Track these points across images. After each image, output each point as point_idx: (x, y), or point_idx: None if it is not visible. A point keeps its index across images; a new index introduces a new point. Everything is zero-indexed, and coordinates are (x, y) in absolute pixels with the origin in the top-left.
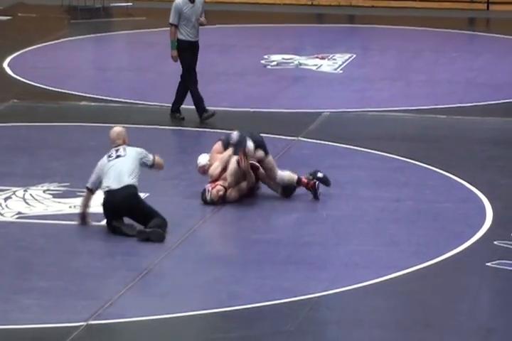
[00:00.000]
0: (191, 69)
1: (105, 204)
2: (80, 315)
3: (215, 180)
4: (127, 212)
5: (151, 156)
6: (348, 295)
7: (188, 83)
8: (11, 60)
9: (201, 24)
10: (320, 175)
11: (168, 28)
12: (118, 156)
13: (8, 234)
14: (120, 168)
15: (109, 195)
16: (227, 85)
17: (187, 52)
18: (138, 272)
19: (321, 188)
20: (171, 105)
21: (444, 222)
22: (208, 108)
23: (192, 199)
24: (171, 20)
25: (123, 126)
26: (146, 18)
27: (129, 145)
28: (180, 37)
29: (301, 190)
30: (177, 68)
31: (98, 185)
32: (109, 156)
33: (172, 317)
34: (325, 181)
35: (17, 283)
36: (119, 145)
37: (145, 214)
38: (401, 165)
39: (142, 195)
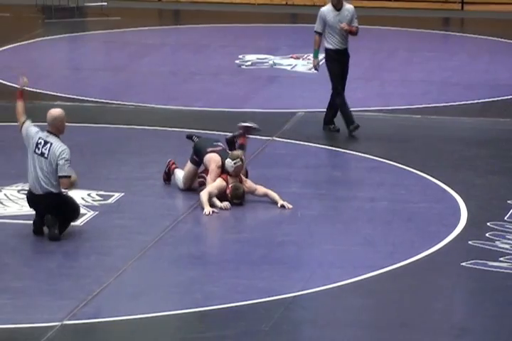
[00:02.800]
0: (338, 79)
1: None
2: (54, 315)
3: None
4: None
5: (64, 169)
6: (323, 295)
7: (333, 93)
8: None
9: (349, 32)
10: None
11: (142, 28)
12: (42, 154)
13: None
14: (37, 172)
15: (30, 195)
16: (201, 85)
17: (334, 62)
18: (113, 272)
19: (296, 188)
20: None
21: (419, 222)
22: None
23: (167, 199)
24: (314, 28)
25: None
26: (121, 18)
27: (53, 134)
28: (327, 46)
29: (275, 192)
30: (152, 68)
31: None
32: (37, 144)
33: (147, 317)
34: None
35: None
36: (51, 133)
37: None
38: (376, 165)
39: (116, 195)
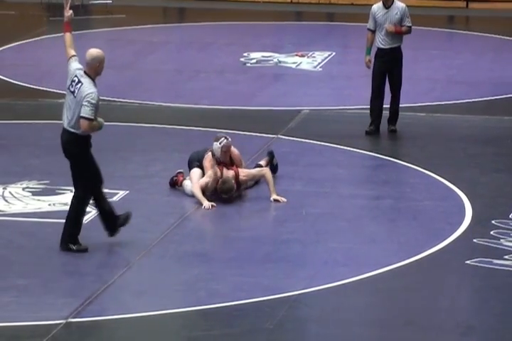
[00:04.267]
0: (376, 79)
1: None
2: (59, 313)
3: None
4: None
5: (86, 111)
6: (327, 293)
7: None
8: None
9: (397, 32)
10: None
11: (147, 26)
12: (72, 92)
13: None
14: (66, 107)
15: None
16: (206, 83)
17: (376, 61)
18: (117, 270)
19: (300, 186)
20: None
21: (423, 220)
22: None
23: (171, 197)
24: (367, 25)
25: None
26: (126, 16)
27: (88, 75)
28: (375, 43)
29: (279, 189)
30: (157, 66)
31: None
32: (72, 81)
33: (151, 315)
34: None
35: None
36: (86, 74)
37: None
38: (381, 163)
39: (121, 193)
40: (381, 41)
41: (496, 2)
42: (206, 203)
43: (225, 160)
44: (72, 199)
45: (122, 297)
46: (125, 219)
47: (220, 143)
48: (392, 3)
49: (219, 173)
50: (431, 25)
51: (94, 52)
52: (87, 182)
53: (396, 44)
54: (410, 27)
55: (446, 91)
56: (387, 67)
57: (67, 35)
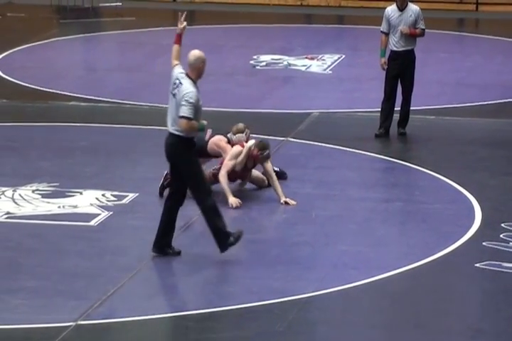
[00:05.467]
0: (389, 81)
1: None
2: (69, 315)
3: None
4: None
5: (184, 110)
6: (337, 296)
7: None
8: (0, 59)
9: (411, 35)
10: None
11: (157, 29)
12: (174, 95)
13: None
14: (169, 111)
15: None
16: (216, 85)
17: (389, 63)
18: (127, 272)
19: (310, 188)
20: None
21: (433, 223)
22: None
23: None
24: (380, 28)
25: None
26: (136, 18)
27: (189, 77)
28: (388, 46)
29: (289, 192)
30: (166, 68)
31: None
32: (173, 84)
33: (161, 318)
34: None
35: (5, 283)
36: (187, 76)
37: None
38: (390, 166)
39: (131, 196)
40: (395, 44)
41: (506, 5)
42: (232, 199)
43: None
44: (198, 205)
45: (132, 299)
46: (236, 238)
47: (245, 134)
48: (406, 6)
49: (241, 148)
50: (441, 28)
51: (196, 52)
52: (200, 183)
53: (410, 46)
54: (424, 29)
55: (456, 94)
56: (401, 70)
57: (176, 47)
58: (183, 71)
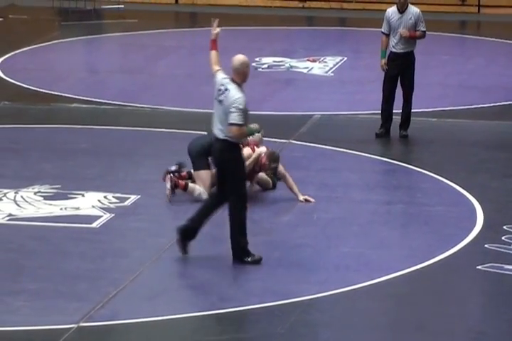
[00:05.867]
0: (388, 83)
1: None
2: (70, 317)
3: None
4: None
5: (233, 117)
6: (339, 298)
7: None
8: (2, 61)
9: (410, 37)
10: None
11: (159, 31)
12: (220, 101)
13: None
14: (215, 118)
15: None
16: None
17: (389, 63)
18: (129, 274)
19: (312, 191)
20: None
21: (435, 225)
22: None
23: (183, 201)
24: (382, 29)
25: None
26: (138, 21)
27: (234, 82)
28: (388, 47)
29: (291, 194)
30: (168, 70)
31: None
32: (219, 91)
33: (163, 320)
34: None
35: (7, 285)
36: (232, 81)
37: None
38: (392, 168)
39: (133, 198)
40: (394, 45)
41: (508, 7)
42: None
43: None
44: (230, 210)
45: (134, 301)
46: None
47: (261, 134)
48: (406, 8)
49: (251, 151)
50: (442, 31)
51: (241, 57)
52: (242, 190)
53: (409, 48)
54: (424, 32)
55: (458, 96)
56: (400, 71)
57: (214, 53)
58: (226, 76)
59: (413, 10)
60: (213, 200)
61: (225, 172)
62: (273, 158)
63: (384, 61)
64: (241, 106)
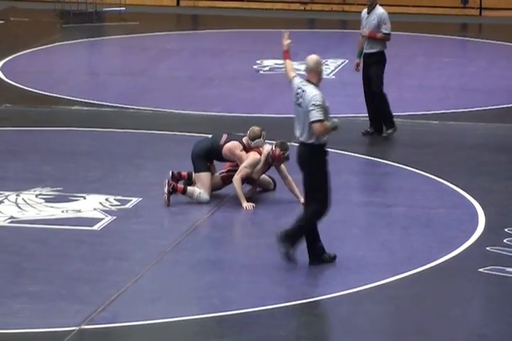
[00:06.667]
0: (364, 83)
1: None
2: (72, 320)
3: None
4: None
5: (313, 114)
6: (340, 301)
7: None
8: (3, 64)
9: (371, 38)
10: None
11: (161, 33)
12: (299, 104)
13: (0, 238)
14: (295, 122)
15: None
16: (219, 90)
17: (363, 65)
18: (130, 277)
19: None
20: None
21: (436, 228)
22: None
23: (184, 203)
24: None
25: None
26: (139, 23)
27: (310, 82)
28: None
29: (293, 197)
30: (169, 73)
31: None
32: (297, 95)
33: (165, 322)
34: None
35: (8, 287)
36: (308, 82)
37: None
38: (393, 171)
39: (134, 200)
40: (364, 46)
41: (509, 10)
42: (246, 204)
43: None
44: (308, 212)
45: (135, 304)
46: (331, 258)
47: (263, 139)
48: (372, 9)
49: (258, 155)
50: (444, 33)
51: (314, 57)
52: (326, 195)
53: (373, 49)
54: (387, 34)
55: (460, 99)
56: (365, 71)
57: (288, 61)
58: (302, 80)
59: (378, 11)
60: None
61: (305, 175)
62: (284, 146)
63: (357, 61)
64: (318, 102)
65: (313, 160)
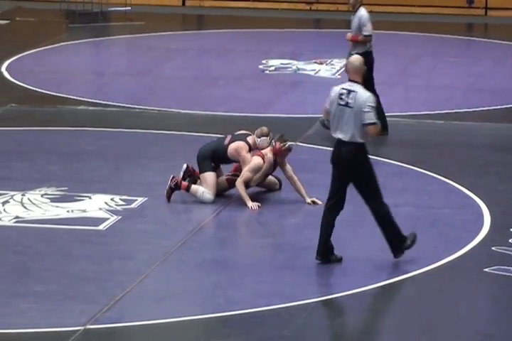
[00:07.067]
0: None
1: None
2: (77, 320)
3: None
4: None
5: (370, 115)
6: (345, 300)
7: None
8: (9, 64)
9: (351, 40)
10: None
11: (166, 33)
12: (346, 104)
13: (6, 238)
14: (342, 121)
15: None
16: (225, 90)
17: None
18: (136, 276)
19: (319, 193)
20: None
21: (442, 228)
22: None
23: (190, 203)
24: None
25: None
26: (145, 23)
27: (357, 83)
28: None
29: (298, 197)
30: (175, 73)
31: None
32: (341, 95)
33: (170, 322)
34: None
35: (14, 287)
36: (354, 82)
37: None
38: (399, 171)
39: (140, 200)
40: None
41: None
42: (251, 204)
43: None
44: (378, 215)
45: (141, 304)
46: (412, 241)
47: (270, 139)
48: (356, 11)
49: (261, 159)
50: (450, 33)
51: (358, 57)
52: (378, 191)
53: (355, 51)
54: (367, 36)
55: (466, 98)
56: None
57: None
58: (342, 83)
59: (359, 13)
60: (329, 212)
61: (351, 176)
62: (283, 138)
63: (345, 63)
64: (373, 104)
65: (363, 158)
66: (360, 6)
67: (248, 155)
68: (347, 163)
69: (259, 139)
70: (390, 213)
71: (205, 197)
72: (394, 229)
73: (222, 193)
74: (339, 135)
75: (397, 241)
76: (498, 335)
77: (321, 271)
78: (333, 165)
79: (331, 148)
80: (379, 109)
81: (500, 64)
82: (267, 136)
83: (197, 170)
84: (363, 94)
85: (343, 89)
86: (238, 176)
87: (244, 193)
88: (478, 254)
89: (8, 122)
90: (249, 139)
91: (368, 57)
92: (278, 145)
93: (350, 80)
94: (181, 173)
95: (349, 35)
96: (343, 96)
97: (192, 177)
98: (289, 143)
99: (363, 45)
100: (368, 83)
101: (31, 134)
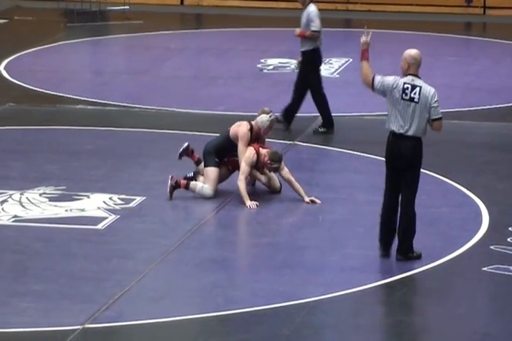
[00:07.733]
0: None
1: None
2: (76, 319)
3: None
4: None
5: (438, 110)
6: (344, 300)
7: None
8: (8, 63)
9: (298, 35)
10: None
11: (165, 32)
12: (411, 99)
13: (4, 237)
14: (403, 116)
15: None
16: (223, 89)
17: None
18: (134, 276)
19: (317, 192)
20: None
21: (440, 227)
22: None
23: (188, 202)
24: None
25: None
26: (143, 22)
27: (418, 77)
28: None
29: (296, 196)
30: (174, 72)
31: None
32: (405, 90)
33: (168, 321)
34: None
35: (12, 286)
36: (415, 76)
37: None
38: None
39: (138, 199)
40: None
41: None
42: (249, 202)
43: (265, 135)
44: (408, 208)
45: (139, 303)
46: (418, 256)
47: (270, 117)
48: (304, 7)
49: (254, 153)
50: (448, 32)
51: (416, 50)
52: (416, 191)
53: (304, 48)
54: (315, 31)
55: (464, 97)
56: (301, 70)
57: (365, 63)
58: (396, 76)
59: (308, 9)
60: (389, 205)
61: (408, 170)
62: (274, 157)
63: (298, 60)
64: (438, 99)
65: (420, 155)
66: (310, 3)
67: (246, 133)
68: (406, 158)
69: (258, 117)
70: (415, 218)
71: (205, 191)
72: (412, 234)
73: (225, 180)
74: (400, 129)
75: (407, 247)
76: (497, 334)
77: (319, 270)
78: (391, 160)
79: (331, 148)
80: (323, 106)
81: (498, 63)
82: (266, 113)
83: (196, 153)
84: (428, 89)
85: (406, 83)
86: (236, 156)
87: (244, 192)
88: (477, 253)
89: (6, 121)
90: (253, 122)
91: (315, 55)
92: (266, 159)
93: (410, 74)
94: (180, 150)
95: (298, 30)
96: (407, 91)
97: (190, 157)
98: (272, 114)
99: (312, 42)
100: (314, 81)
101: (30, 133)
